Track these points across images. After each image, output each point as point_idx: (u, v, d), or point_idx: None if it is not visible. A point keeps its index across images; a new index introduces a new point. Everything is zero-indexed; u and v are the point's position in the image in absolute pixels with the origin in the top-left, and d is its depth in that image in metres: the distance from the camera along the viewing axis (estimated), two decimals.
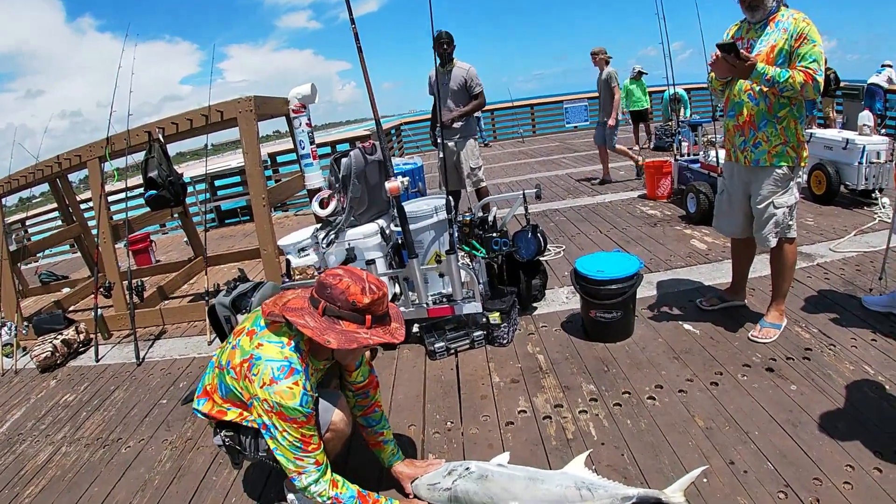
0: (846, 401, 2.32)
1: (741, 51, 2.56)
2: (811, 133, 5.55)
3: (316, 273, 3.48)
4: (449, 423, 2.63)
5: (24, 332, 4.87)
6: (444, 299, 3.34)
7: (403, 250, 3.34)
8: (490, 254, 3.45)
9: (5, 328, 4.75)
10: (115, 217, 5.28)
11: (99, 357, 4.31)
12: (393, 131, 14.88)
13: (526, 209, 3.54)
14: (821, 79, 2.49)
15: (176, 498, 2.41)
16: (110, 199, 5.59)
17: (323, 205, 3.51)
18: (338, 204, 3.47)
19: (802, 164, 2.77)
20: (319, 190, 3.76)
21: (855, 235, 4.27)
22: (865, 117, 5.50)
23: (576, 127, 15.78)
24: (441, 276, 3.35)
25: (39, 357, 4.25)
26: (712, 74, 2.87)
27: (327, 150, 10.72)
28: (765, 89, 2.62)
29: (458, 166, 5.45)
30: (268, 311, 1.84)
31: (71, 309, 5.74)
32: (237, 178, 10.60)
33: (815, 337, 2.88)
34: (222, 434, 2.01)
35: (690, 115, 8.37)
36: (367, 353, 2.26)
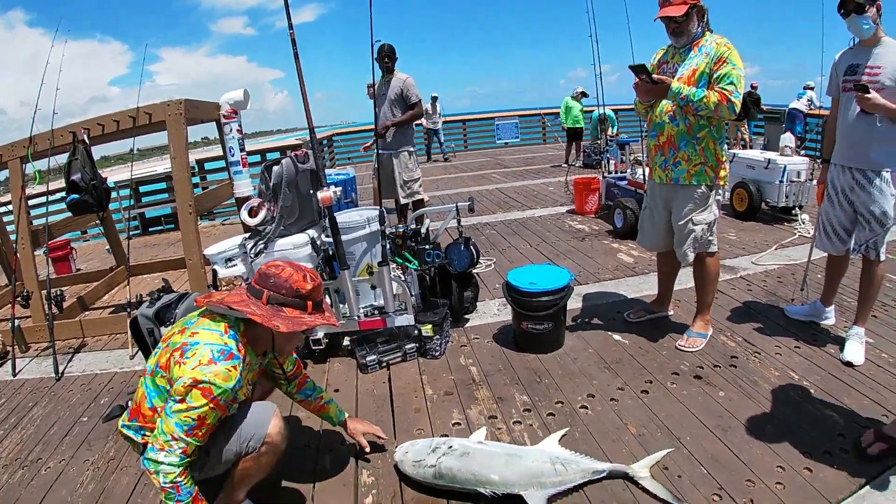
0: (773, 405, 2.44)
1: (653, 73, 2.68)
2: (734, 153, 5.89)
3: (243, 283, 3.32)
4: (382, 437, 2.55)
5: None
6: (376, 311, 3.27)
7: (335, 261, 3.24)
8: (422, 266, 3.41)
9: None
10: (36, 222, 4.85)
11: (16, 371, 3.96)
12: (325, 142, 14.65)
13: (459, 221, 3.53)
14: (736, 100, 2.61)
15: None
16: (31, 202, 5.15)
17: (252, 213, 3.36)
18: (267, 213, 3.33)
19: (722, 182, 2.89)
20: (248, 198, 3.60)
21: (776, 249, 4.54)
22: (787, 139, 5.91)
23: (506, 143, 16.10)
24: (373, 288, 3.29)
25: None
26: (637, 98, 2.97)
27: (257, 157, 10.42)
28: (685, 111, 2.73)
29: (392, 177, 5.41)
30: (205, 302, 1.85)
31: None
32: (163, 185, 10.09)
33: (740, 345, 3.01)
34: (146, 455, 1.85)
35: (618, 134, 8.73)
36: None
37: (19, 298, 4.37)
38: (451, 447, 2.12)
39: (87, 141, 4.20)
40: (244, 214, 3.35)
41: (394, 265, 3.52)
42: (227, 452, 1.85)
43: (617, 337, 3.25)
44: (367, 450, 2.33)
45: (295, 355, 2.30)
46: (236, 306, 1.78)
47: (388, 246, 3.27)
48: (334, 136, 15.40)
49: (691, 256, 2.95)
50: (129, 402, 1.95)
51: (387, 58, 5.19)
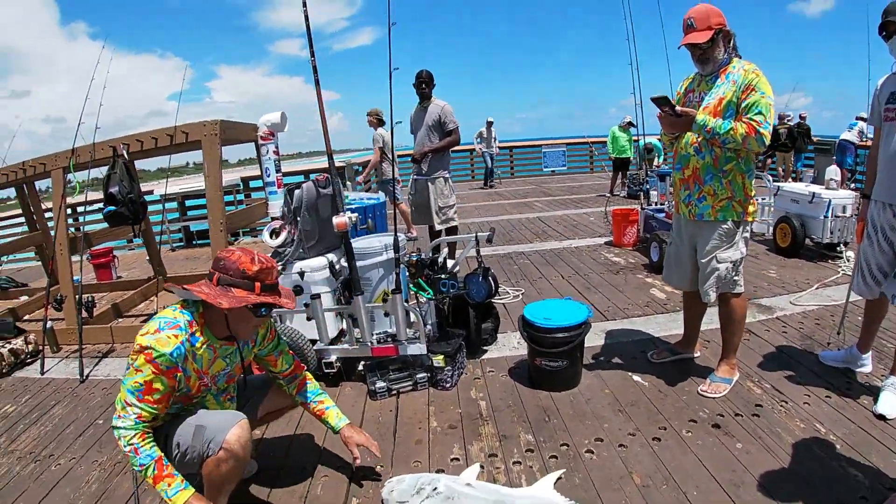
0: (793, 460, 2.24)
1: (678, 103, 2.56)
2: (778, 186, 5.63)
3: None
4: (379, 466, 2.50)
5: None
6: (389, 339, 3.24)
7: None
8: (437, 295, 3.36)
9: None
10: (82, 228, 5.13)
11: (44, 370, 4.16)
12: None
13: (478, 252, 3.47)
14: (765, 131, 2.46)
15: None
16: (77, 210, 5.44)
17: (274, 235, 3.42)
18: (288, 235, 3.38)
19: (750, 218, 2.73)
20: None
21: (817, 289, 4.28)
22: (832, 171, 5.61)
23: (553, 171, 15.99)
24: (386, 315, 3.25)
25: None
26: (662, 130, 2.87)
27: (312, 177, 10.71)
28: (711, 142, 2.60)
29: (427, 203, 5.42)
30: (168, 285, 1.92)
31: (25, 318, 5.54)
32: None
33: (767, 392, 2.81)
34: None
35: (660, 165, 8.53)
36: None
37: (53, 302, 4.57)
38: (435, 489, 2.04)
39: (125, 156, 4.40)
40: (266, 235, 3.41)
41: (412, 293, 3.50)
42: (190, 449, 1.90)
43: (637, 378, 3.10)
44: (357, 462, 2.32)
45: (293, 356, 2.37)
46: (189, 287, 1.91)
47: (403, 274, 3.24)
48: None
49: (713, 296, 2.79)
50: None
51: (424, 84, 5.24)
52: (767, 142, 2.49)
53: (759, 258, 5.35)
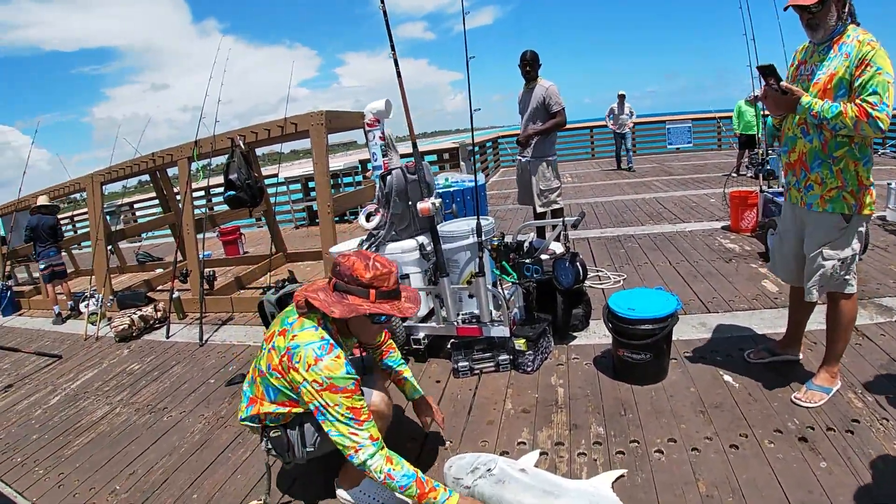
0: (879, 490, 2.00)
1: (782, 82, 2.31)
2: None
3: None
4: (449, 442, 2.63)
5: (109, 304, 5.42)
6: (474, 320, 3.32)
7: None
8: (521, 279, 3.37)
9: (94, 299, 5.31)
10: (204, 210, 5.81)
11: (169, 334, 4.75)
12: (490, 143, 14.91)
13: (567, 236, 3.43)
14: (882, 114, 2.13)
15: (194, 466, 2.71)
16: (202, 194, 6.11)
17: (369, 218, 3.61)
18: (382, 218, 3.55)
19: (866, 211, 2.40)
20: None
21: None
22: None
23: (678, 149, 15.07)
24: (471, 296, 3.33)
25: (117, 328, 4.75)
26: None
27: (434, 157, 11.02)
28: (819, 126, 2.33)
29: (530, 186, 5.40)
30: (297, 296, 1.99)
31: (158, 288, 6.32)
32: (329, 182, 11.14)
33: (868, 407, 2.52)
34: (268, 435, 2.10)
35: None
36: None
37: (180, 275, 5.19)
38: (489, 470, 2.09)
39: (242, 146, 4.82)
40: (361, 218, 3.60)
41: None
42: None
43: (727, 378, 2.92)
44: (428, 428, 2.50)
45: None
46: (308, 295, 1.92)
47: (485, 257, 3.28)
48: (499, 139, 15.58)
49: (816, 295, 2.54)
50: (245, 395, 2.14)
51: (528, 66, 5.16)
52: (885, 126, 2.16)
53: (888, 251, 4.73)
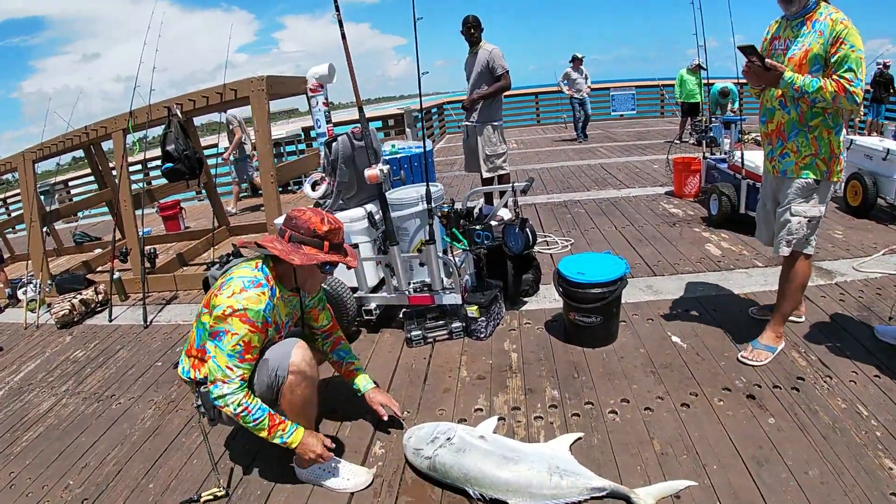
0: (826, 443, 2.08)
1: (766, 59, 2.37)
2: (851, 140, 5.16)
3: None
4: (406, 412, 2.59)
5: (47, 289, 5.09)
6: (426, 288, 3.27)
7: None
8: (472, 246, 3.34)
9: (31, 285, 4.97)
10: (143, 185, 5.47)
11: (112, 317, 4.51)
12: (435, 110, 14.73)
13: (516, 202, 3.40)
14: (857, 89, 2.25)
15: (147, 454, 2.58)
16: (139, 168, 5.76)
17: (314, 187, 3.48)
18: (328, 187, 3.43)
19: (835, 178, 2.51)
20: None
21: (883, 255, 3.92)
22: None
23: (622, 115, 15.30)
24: (422, 264, 3.27)
25: (58, 314, 4.47)
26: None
27: (379, 123, 10.78)
28: (797, 98, 2.42)
29: (476, 151, 5.35)
30: (241, 242, 2.11)
31: (98, 270, 5.97)
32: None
33: (811, 365, 2.62)
34: (199, 391, 2.11)
35: (740, 110, 7.84)
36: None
37: (119, 254, 4.90)
38: (449, 439, 2.08)
39: (179, 115, 4.55)
40: (307, 188, 3.47)
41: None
42: (260, 385, 2.02)
43: (676, 339, 2.99)
44: (385, 418, 2.38)
45: (331, 313, 2.46)
46: (262, 243, 2.03)
47: (437, 224, 3.23)
48: (444, 105, 15.41)
49: (786, 250, 2.61)
50: (183, 348, 2.20)
51: (472, 29, 5.08)
52: (860, 100, 2.29)
53: (826, 217, 4.94)
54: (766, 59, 2.39)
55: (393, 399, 2.47)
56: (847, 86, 2.24)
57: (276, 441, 1.96)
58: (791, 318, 3.02)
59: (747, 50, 2.40)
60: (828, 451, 2.05)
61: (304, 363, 2.05)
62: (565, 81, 11.26)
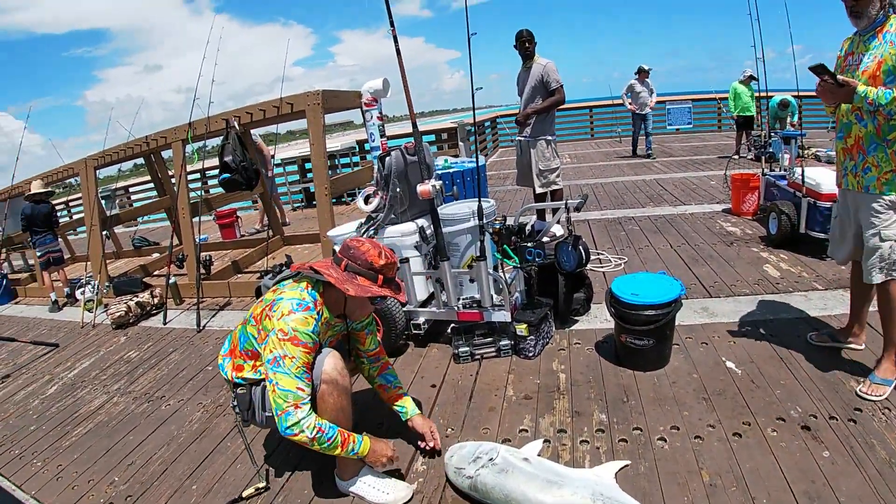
0: (881, 479, 1.98)
1: (838, 76, 2.31)
2: None
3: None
4: (449, 429, 2.61)
5: (105, 291, 5.36)
6: (475, 304, 3.29)
7: None
8: (523, 263, 3.33)
9: (90, 286, 5.25)
10: (200, 193, 5.72)
11: (167, 320, 4.71)
12: (488, 124, 14.77)
13: (569, 220, 3.38)
14: None
15: (193, 455, 2.68)
16: (197, 176, 6.03)
17: (367, 200, 3.56)
18: (381, 201, 3.50)
19: None
20: None
21: None
22: None
23: (678, 129, 14.95)
24: (472, 280, 3.29)
25: (114, 315, 4.69)
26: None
27: (432, 137, 10.90)
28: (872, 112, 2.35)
29: (529, 166, 5.35)
30: (296, 266, 2.20)
31: (155, 273, 6.26)
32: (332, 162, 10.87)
33: None
34: (237, 391, 2.21)
35: (800, 123, 7.54)
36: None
37: (176, 259, 5.13)
38: (492, 460, 2.07)
39: (237, 127, 4.74)
40: (360, 201, 3.55)
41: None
42: None
43: (730, 364, 2.90)
44: (429, 447, 2.40)
45: (379, 340, 2.51)
46: (318, 268, 2.09)
47: (488, 241, 3.25)
48: (497, 119, 15.43)
49: (878, 278, 2.50)
50: (226, 344, 2.30)
51: (527, 42, 5.10)
52: None
53: None
54: (839, 76, 2.33)
55: (435, 429, 2.45)
56: None
57: (349, 455, 2.02)
58: (851, 345, 2.90)
59: (818, 69, 2.36)
60: (883, 487, 1.95)
61: (336, 372, 2.08)
62: (628, 94, 10.70)
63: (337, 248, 3.62)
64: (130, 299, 4.87)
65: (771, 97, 9.13)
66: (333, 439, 1.96)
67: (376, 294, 2.07)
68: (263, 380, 2.12)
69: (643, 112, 10.59)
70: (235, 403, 2.23)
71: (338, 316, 2.21)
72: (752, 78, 9.31)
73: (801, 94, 10.37)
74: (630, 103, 10.69)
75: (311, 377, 2.00)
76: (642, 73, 10.41)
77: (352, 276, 2.07)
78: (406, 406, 2.47)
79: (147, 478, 2.58)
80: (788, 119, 9.07)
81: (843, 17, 2.47)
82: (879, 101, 2.24)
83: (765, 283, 3.95)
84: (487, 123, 14.62)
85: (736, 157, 9.32)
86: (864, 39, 2.43)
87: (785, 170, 5.52)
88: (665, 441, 2.35)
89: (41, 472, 2.79)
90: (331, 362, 2.08)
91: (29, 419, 3.42)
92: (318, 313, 2.03)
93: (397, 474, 2.31)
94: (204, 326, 4.44)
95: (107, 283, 5.52)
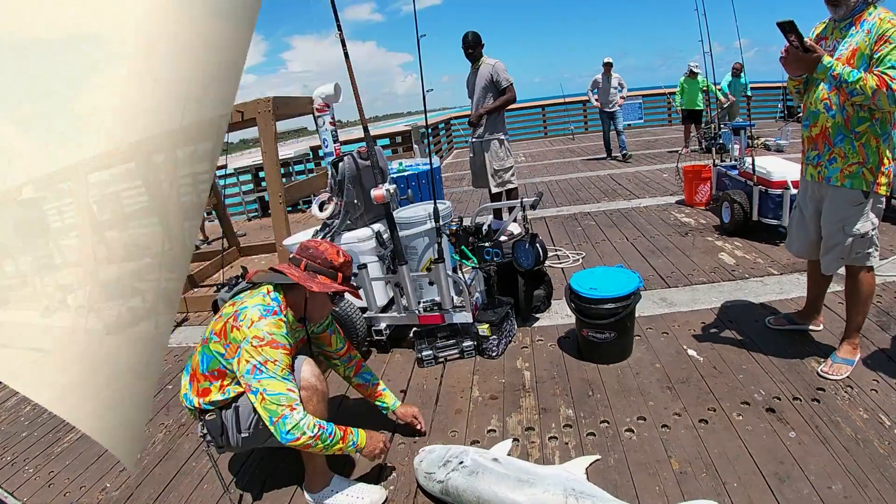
0: (849, 456, 2.02)
1: (806, 40, 2.28)
2: None
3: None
4: (417, 435, 2.55)
5: None
6: (436, 307, 3.24)
7: None
8: (481, 263, 3.31)
9: None
10: None
11: None
12: (442, 125, 14.77)
13: (525, 218, 3.37)
14: None
15: (158, 478, 2.57)
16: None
17: (322, 207, 3.47)
18: (335, 207, 3.42)
19: (882, 191, 2.41)
20: None
21: None
22: None
23: (629, 125, 15.25)
24: (431, 283, 3.24)
25: None
26: (788, 75, 2.58)
27: (386, 141, 10.82)
28: (842, 100, 2.34)
29: (483, 166, 5.34)
30: (252, 275, 2.19)
31: None
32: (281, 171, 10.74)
33: None
34: (205, 418, 2.09)
35: (749, 115, 7.72)
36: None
37: None
38: (461, 462, 2.03)
39: None
40: (315, 208, 3.46)
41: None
42: None
43: (692, 352, 2.93)
44: (420, 429, 2.50)
45: (343, 336, 2.49)
46: (279, 268, 2.10)
47: (445, 242, 3.21)
48: (452, 120, 15.46)
49: (833, 268, 2.56)
50: (185, 372, 2.17)
51: (471, 48, 5.10)
52: None
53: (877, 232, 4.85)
54: (805, 40, 2.30)
55: (419, 413, 2.53)
56: (889, 81, 2.13)
57: (350, 448, 2.00)
58: (810, 327, 2.97)
59: (786, 26, 2.26)
60: (851, 463, 1.99)
61: (314, 378, 2.07)
62: (594, 90, 9.96)
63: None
64: None
65: (720, 89, 9.41)
66: (334, 434, 1.93)
67: (339, 290, 2.09)
68: (235, 400, 2.04)
69: (610, 109, 9.85)
70: (205, 432, 2.10)
71: (298, 320, 2.17)
72: (693, 72, 9.57)
73: (748, 85, 10.71)
74: (596, 100, 10.00)
75: (293, 379, 1.95)
76: (607, 67, 9.71)
77: (312, 276, 2.07)
78: (387, 401, 2.49)
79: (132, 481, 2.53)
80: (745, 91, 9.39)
81: (789, 9, 2.48)
82: (845, 77, 2.21)
83: (721, 270, 4.02)
84: (441, 125, 14.62)
85: (686, 150, 9.54)
86: (841, 27, 2.40)
87: (736, 160, 5.65)
88: (633, 432, 2.34)
89: (33, 479, 2.71)
90: (308, 369, 2.07)
91: (21, 425, 3.30)
92: (284, 316, 2.02)
93: (370, 478, 2.28)
94: None
95: None
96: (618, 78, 9.69)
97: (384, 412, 2.51)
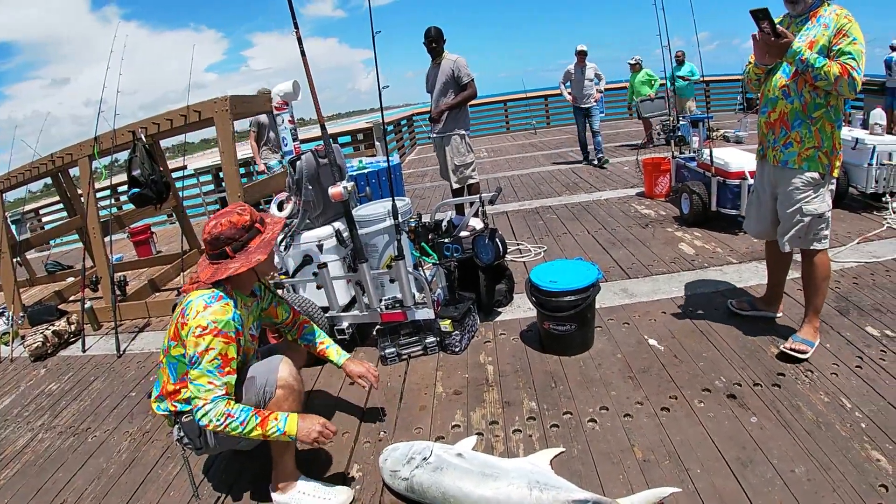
0: (811, 439, 2.06)
1: (777, 25, 2.36)
2: None
3: (278, 275, 3.38)
4: (382, 432, 2.53)
5: (20, 321, 4.93)
6: (398, 304, 3.20)
7: None
8: (442, 259, 3.28)
9: (3, 318, 4.81)
10: (110, 211, 5.28)
11: (86, 348, 4.38)
12: (404, 122, 14.68)
13: (484, 213, 3.36)
14: (858, 77, 2.27)
15: (124, 487, 2.50)
16: (108, 193, 5.59)
17: (281, 207, 3.39)
18: (294, 206, 3.35)
19: (834, 173, 2.54)
20: None
21: (858, 243, 3.97)
22: (877, 115, 5.12)
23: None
24: (392, 280, 3.20)
25: (31, 347, 4.34)
26: (751, 63, 2.67)
27: (348, 139, 10.69)
28: (799, 86, 2.45)
29: (445, 162, 5.31)
30: (191, 289, 2.06)
31: (70, 299, 5.80)
32: (241, 171, 10.52)
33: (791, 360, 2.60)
34: (181, 421, 2.05)
35: (707, 107, 7.84)
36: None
37: (90, 283, 4.74)
38: (425, 459, 2.02)
39: (143, 139, 4.46)
40: (273, 208, 3.39)
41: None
42: (248, 402, 1.99)
43: (652, 341, 2.97)
44: (365, 388, 2.43)
45: (288, 305, 2.46)
46: (217, 276, 1.97)
47: (405, 239, 3.17)
48: (414, 116, 15.37)
49: (789, 247, 2.64)
50: (155, 386, 2.14)
51: (433, 42, 5.06)
52: (859, 87, 2.32)
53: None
54: (777, 27, 2.38)
55: (369, 367, 2.43)
56: (851, 71, 2.26)
57: (274, 435, 1.88)
58: (768, 313, 3.03)
59: (759, 14, 2.34)
60: (813, 446, 2.03)
61: (292, 377, 2.05)
62: (567, 83, 8.66)
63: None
64: (47, 328, 4.48)
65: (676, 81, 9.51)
66: (247, 421, 1.85)
67: (276, 237, 2.08)
68: None
69: (585, 104, 8.42)
70: (182, 435, 2.05)
71: (251, 294, 2.18)
72: (636, 64, 9.71)
73: (706, 79, 10.90)
74: (569, 93, 8.63)
75: (227, 370, 1.90)
76: (580, 56, 8.28)
77: (246, 252, 2.00)
78: (332, 357, 2.45)
79: None
80: (691, 103, 9.50)
81: (747, 2, 2.51)
82: (811, 62, 2.31)
83: (681, 261, 4.09)
84: (404, 122, 14.53)
85: (650, 144, 9.66)
86: (797, 22, 2.52)
87: (694, 152, 5.75)
88: (596, 422, 2.36)
89: None
90: (286, 368, 2.05)
91: None
92: (232, 299, 1.99)
93: (337, 479, 2.25)
94: (124, 351, 4.14)
95: (21, 314, 5.05)
96: (593, 68, 8.31)
97: (337, 365, 2.46)
